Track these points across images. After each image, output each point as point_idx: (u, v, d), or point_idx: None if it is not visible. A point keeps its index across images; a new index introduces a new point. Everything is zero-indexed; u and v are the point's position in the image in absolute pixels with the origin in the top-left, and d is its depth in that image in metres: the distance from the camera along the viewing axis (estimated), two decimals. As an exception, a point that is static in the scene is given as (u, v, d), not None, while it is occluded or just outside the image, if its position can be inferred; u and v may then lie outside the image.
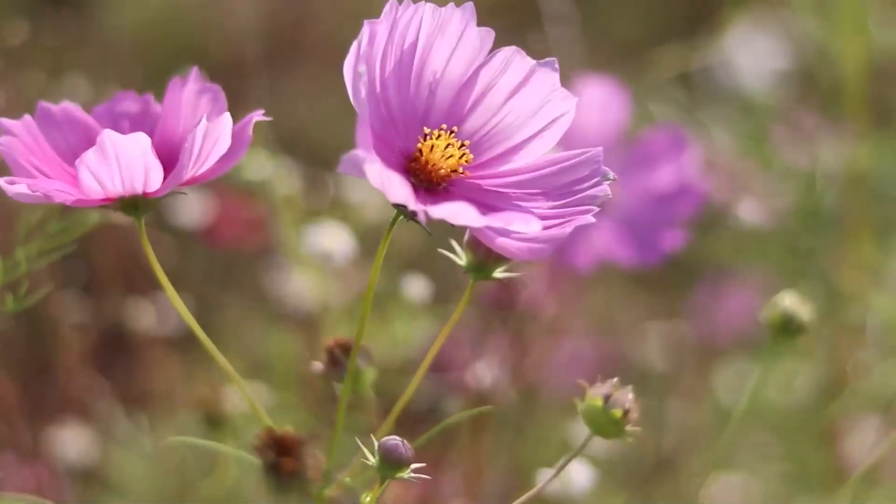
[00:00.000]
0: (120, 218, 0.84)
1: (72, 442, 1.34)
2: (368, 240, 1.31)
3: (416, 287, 1.28)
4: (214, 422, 1.18)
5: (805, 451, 1.44)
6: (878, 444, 1.39)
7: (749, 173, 1.42)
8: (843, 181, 1.40)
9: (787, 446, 1.46)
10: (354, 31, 0.77)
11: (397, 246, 1.36)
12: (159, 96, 0.87)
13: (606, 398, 0.84)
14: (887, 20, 1.40)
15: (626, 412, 0.83)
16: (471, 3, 0.81)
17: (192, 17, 2.24)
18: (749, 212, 1.41)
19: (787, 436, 1.46)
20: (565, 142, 0.84)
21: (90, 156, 0.78)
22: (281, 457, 0.76)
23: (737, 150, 1.42)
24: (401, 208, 0.78)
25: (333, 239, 1.26)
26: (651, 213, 1.28)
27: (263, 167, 1.32)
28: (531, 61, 0.82)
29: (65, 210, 0.90)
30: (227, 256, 1.52)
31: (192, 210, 1.40)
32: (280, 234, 1.34)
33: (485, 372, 1.28)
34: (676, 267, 1.59)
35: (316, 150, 1.70)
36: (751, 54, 1.61)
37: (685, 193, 1.28)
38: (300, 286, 1.33)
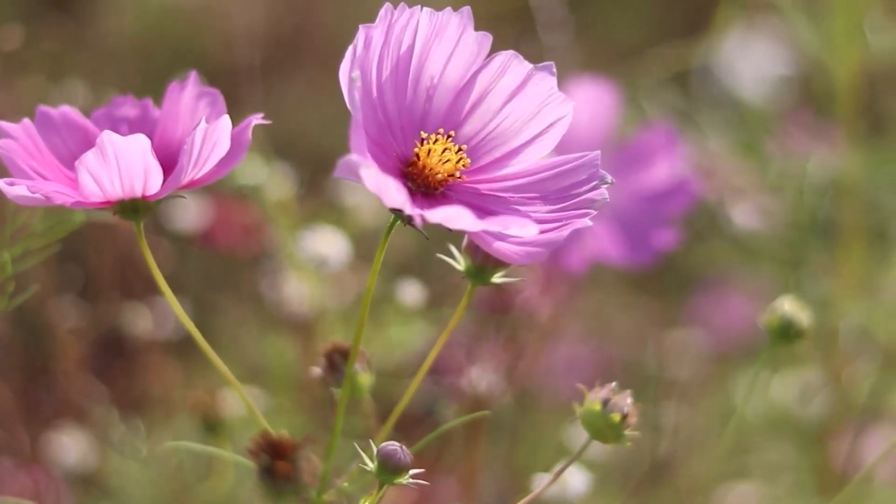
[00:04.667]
0: (116, 221, 0.84)
1: (69, 447, 1.34)
2: (364, 244, 1.31)
3: (411, 291, 1.28)
4: (212, 426, 1.18)
5: (802, 456, 1.44)
6: (874, 448, 1.39)
7: (743, 178, 1.42)
8: (835, 189, 1.39)
9: (785, 452, 1.46)
10: (354, 36, 0.77)
11: (391, 250, 1.36)
12: (158, 100, 0.87)
13: (605, 402, 0.83)
14: (881, 27, 1.40)
15: (624, 416, 0.83)
16: (468, 8, 0.81)
17: (191, 22, 2.25)
18: (743, 217, 1.40)
19: (785, 441, 1.46)
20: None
21: (89, 157, 0.78)
22: (275, 460, 0.76)
23: (731, 155, 1.41)
24: (397, 213, 0.78)
25: (329, 243, 1.26)
26: (643, 212, 1.27)
27: (259, 172, 1.32)
28: (528, 65, 0.82)
29: (49, 210, 0.90)
30: (224, 261, 1.52)
31: (189, 215, 1.40)
32: (276, 239, 1.34)
33: (480, 376, 1.28)
34: (672, 271, 1.59)
35: (313, 155, 1.71)
36: (747, 59, 1.61)
37: (677, 191, 1.27)
38: (296, 290, 1.33)
